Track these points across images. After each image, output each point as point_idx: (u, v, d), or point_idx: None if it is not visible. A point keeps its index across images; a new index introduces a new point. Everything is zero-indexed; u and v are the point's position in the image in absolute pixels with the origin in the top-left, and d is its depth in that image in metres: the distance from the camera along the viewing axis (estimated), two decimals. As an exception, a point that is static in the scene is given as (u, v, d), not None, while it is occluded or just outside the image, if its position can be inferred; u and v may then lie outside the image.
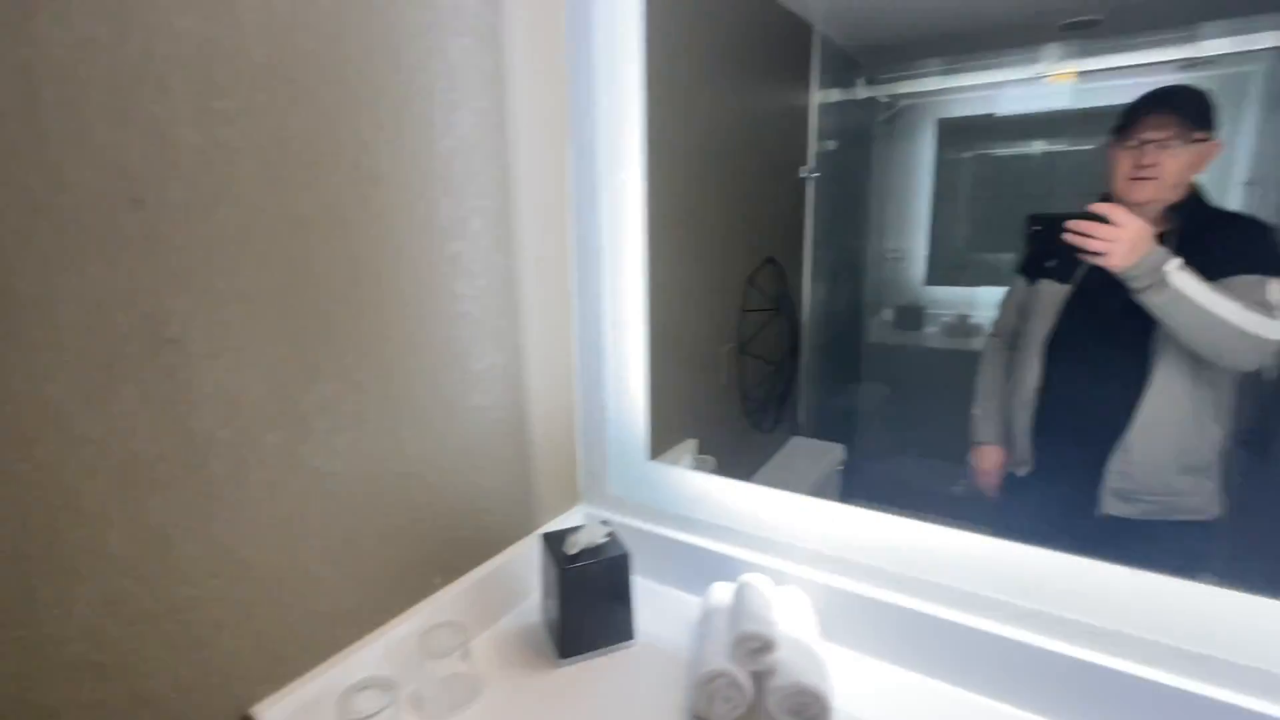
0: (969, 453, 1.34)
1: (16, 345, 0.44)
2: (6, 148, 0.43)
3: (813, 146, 1.71)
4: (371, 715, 0.59)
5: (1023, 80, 1.67)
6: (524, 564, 0.89)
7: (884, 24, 1.67)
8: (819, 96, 1.71)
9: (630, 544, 0.80)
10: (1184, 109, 1.03)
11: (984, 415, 1.32)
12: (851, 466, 2.33)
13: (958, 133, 2.24)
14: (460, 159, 0.73)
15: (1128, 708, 0.65)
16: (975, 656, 0.72)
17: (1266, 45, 1.47)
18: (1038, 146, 2.00)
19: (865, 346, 2.39)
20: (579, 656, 0.78)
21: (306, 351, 0.61)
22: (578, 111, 0.86)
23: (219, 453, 0.56)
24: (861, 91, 1.85)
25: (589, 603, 0.78)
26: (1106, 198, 1.14)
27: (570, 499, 1.02)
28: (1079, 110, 1.74)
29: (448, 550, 0.80)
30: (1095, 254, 0.96)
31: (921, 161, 2.33)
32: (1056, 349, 1.18)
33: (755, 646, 0.69)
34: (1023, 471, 1.25)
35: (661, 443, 1.03)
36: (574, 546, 0.78)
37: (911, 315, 2.35)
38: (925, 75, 2.05)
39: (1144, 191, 1.03)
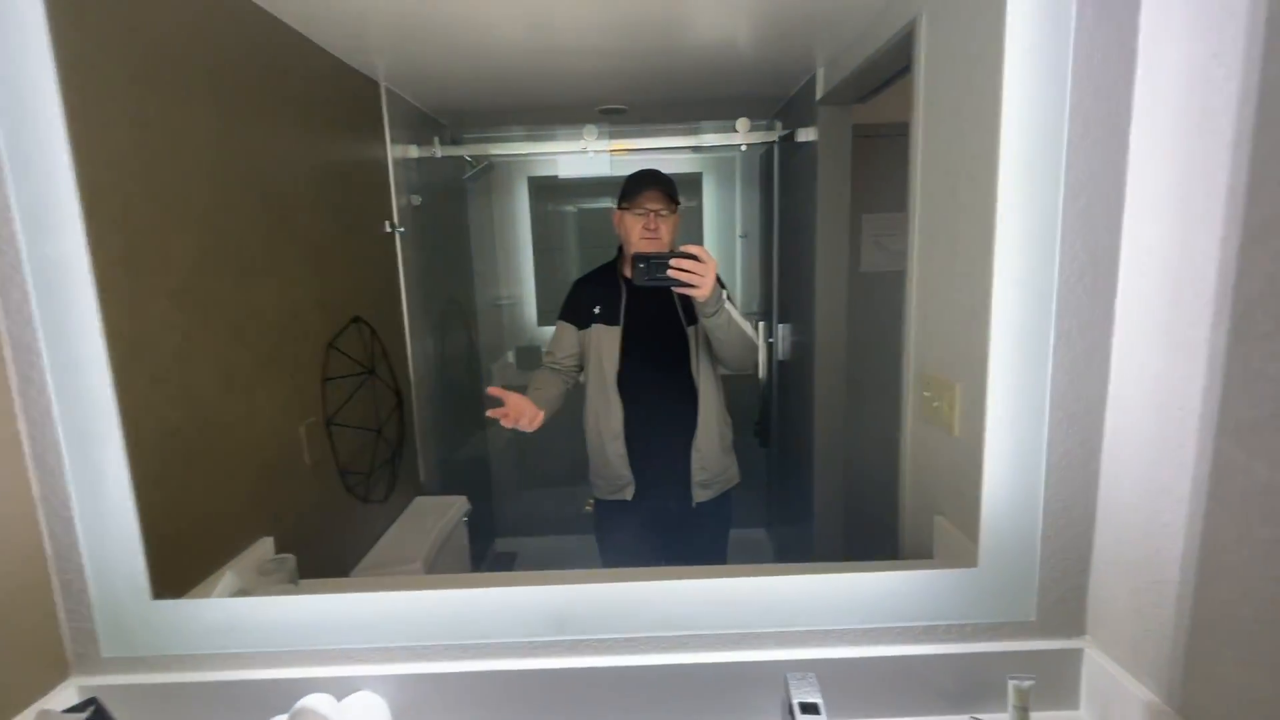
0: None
1: None
2: None
3: (395, 202, 1.68)
4: None
5: (574, 151, 1.95)
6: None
7: (450, 89, 1.75)
8: (396, 152, 1.69)
9: (145, 707, 0.63)
10: (668, 187, 1.38)
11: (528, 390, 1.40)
12: (485, 511, 2.37)
13: (545, 190, 2.51)
14: None
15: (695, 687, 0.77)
16: (566, 696, 0.77)
17: (737, 142, 2.00)
18: (605, 203, 2.39)
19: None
20: None
21: None
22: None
23: None
24: (442, 150, 1.90)
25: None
26: (619, 252, 1.44)
27: (58, 672, 0.76)
28: (620, 177, 2.14)
29: None
30: (690, 285, 1.19)
31: (519, 215, 2.53)
32: (627, 385, 1.42)
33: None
34: (629, 495, 1.45)
35: (209, 559, 0.86)
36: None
37: (530, 355, 2.52)
38: (510, 139, 2.25)
39: (651, 248, 1.35)
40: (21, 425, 0.71)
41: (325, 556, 1.32)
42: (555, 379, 1.46)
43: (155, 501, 0.78)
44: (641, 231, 1.36)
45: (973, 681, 0.79)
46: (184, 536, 0.86)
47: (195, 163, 0.97)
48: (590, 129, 1.83)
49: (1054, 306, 0.71)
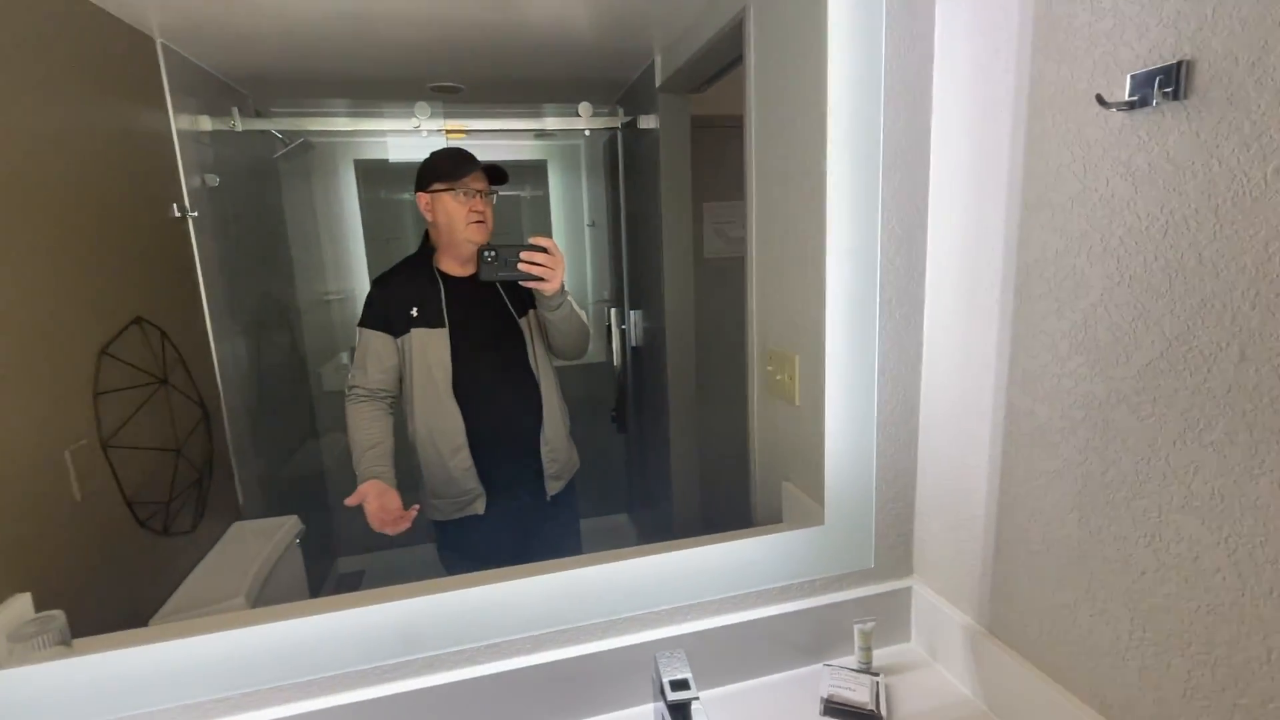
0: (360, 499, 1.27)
1: None
2: None
3: (185, 182, 1.43)
4: None
5: (405, 131, 1.80)
6: None
7: (249, 52, 1.52)
8: (182, 123, 1.44)
9: None
10: (490, 170, 1.28)
11: (362, 465, 1.28)
12: (324, 529, 2.14)
13: (376, 174, 2.30)
14: None
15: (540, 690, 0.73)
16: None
17: (580, 126, 1.97)
18: (444, 191, 2.23)
19: (321, 396, 2.23)
20: None
21: None
22: None
23: None
24: (244, 123, 1.66)
25: None
26: (426, 238, 1.33)
27: None
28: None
29: None
30: (541, 280, 1.12)
31: (346, 201, 2.29)
32: (464, 391, 1.28)
33: None
34: (480, 509, 1.33)
35: None
36: None
37: (367, 355, 2.30)
38: (329, 115, 2.02)
39: (481, 234, 1.24)
40: None
41: (112, 607, 1.09)
42: (380, 415, 1.28)
43: None
44: (469, 216, 1.24)
45: (824, 632, 0.84)
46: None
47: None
48: (422, 106, 1.69)
49: (878, 277, 0.78)
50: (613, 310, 2.23)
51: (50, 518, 0.96)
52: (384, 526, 1.23)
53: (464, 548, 1.38)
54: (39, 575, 0.91)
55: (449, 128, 1.86)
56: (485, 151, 2.48)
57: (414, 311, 1.27)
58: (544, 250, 1.13)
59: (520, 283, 1.16)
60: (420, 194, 1.29)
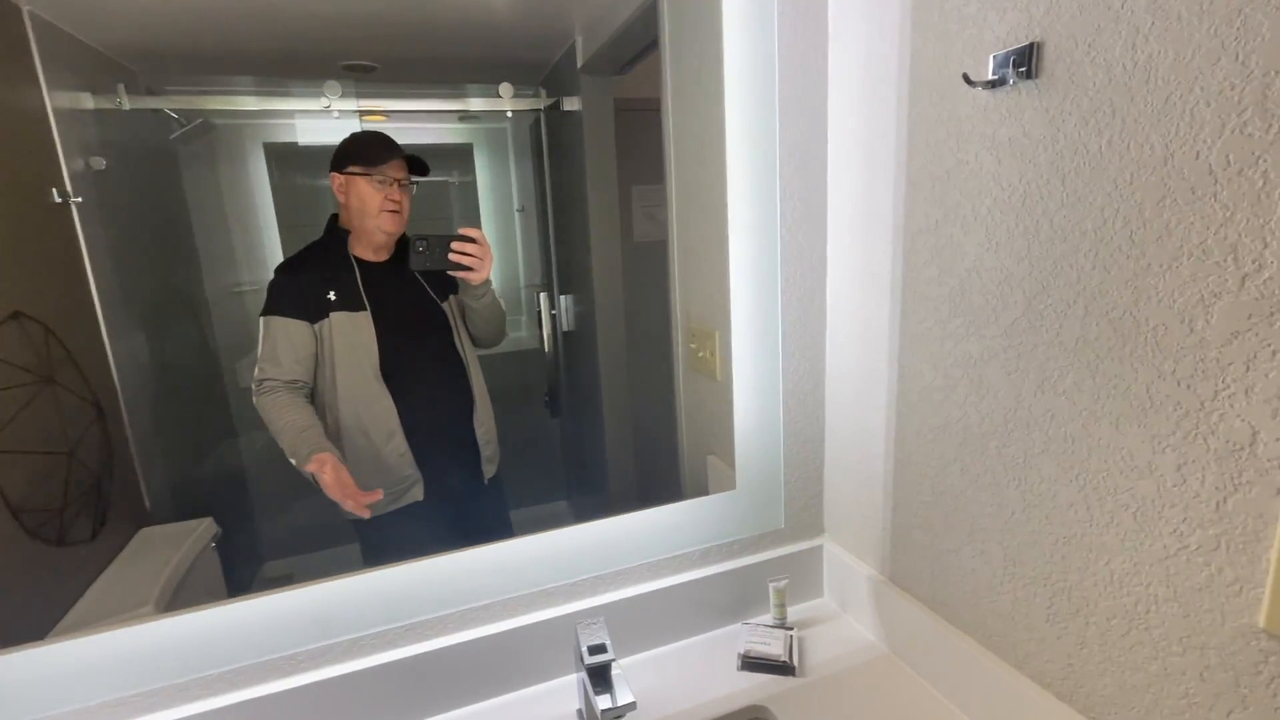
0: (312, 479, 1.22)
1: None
2: None
3: (66, 165, 1.32)
4: None
5: (315, 112, 1.72)
6: None
7: (133, 24, 1.41)
8: (60, 100, 1.33)
9: None
10: (412, 161, 1.25)
11: (301, 444, 1.23)
12: (248, 532, 2.04)
13: (288, 158, 2.18)
14: None
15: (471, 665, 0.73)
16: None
17: (502, 108, 1.93)
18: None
19: (237, 393, 2.11)
20: None
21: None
22: None
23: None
24: (131, 101, 1.54)
25: None
26: (334, 220, 1.28)
27: None
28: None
29: None
30: (470, 269, 1.12)
31: (256, 187, 2.17)
32: (393, 374, 1.25)
33: None
34: (419, 495, 1.30)
35: None
36: None
37: (286, 349, 2.20)
38: (231, 94, 1.89)
39: (395, 223, 1.21)
40: None
41: (4, 622, 1.02)
42: (301, 402, 1.23)
43: None
44: (384, 203, 1.21)
45: (742, 593, 0.88)
46: None
47: None
48: (333, 86, 1.62)
49: (779, 251, 0.81)
50: (543, 295, 2.21)
51: (-81, 530, 0.89)
52: (346, 499, 1.18)
53: (399, 542, 1.34)
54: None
55: (364, 108, 1.79)
56: (408, 134, 2.40)
57: (331, 295, 1.22)
58: (473, 241, 1.12)
59: (449, 272, 1.15)
60: (335, 174, 1.24)
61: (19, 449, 1.08)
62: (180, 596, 1.29)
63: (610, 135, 1.80)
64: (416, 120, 2.27)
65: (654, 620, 0.83)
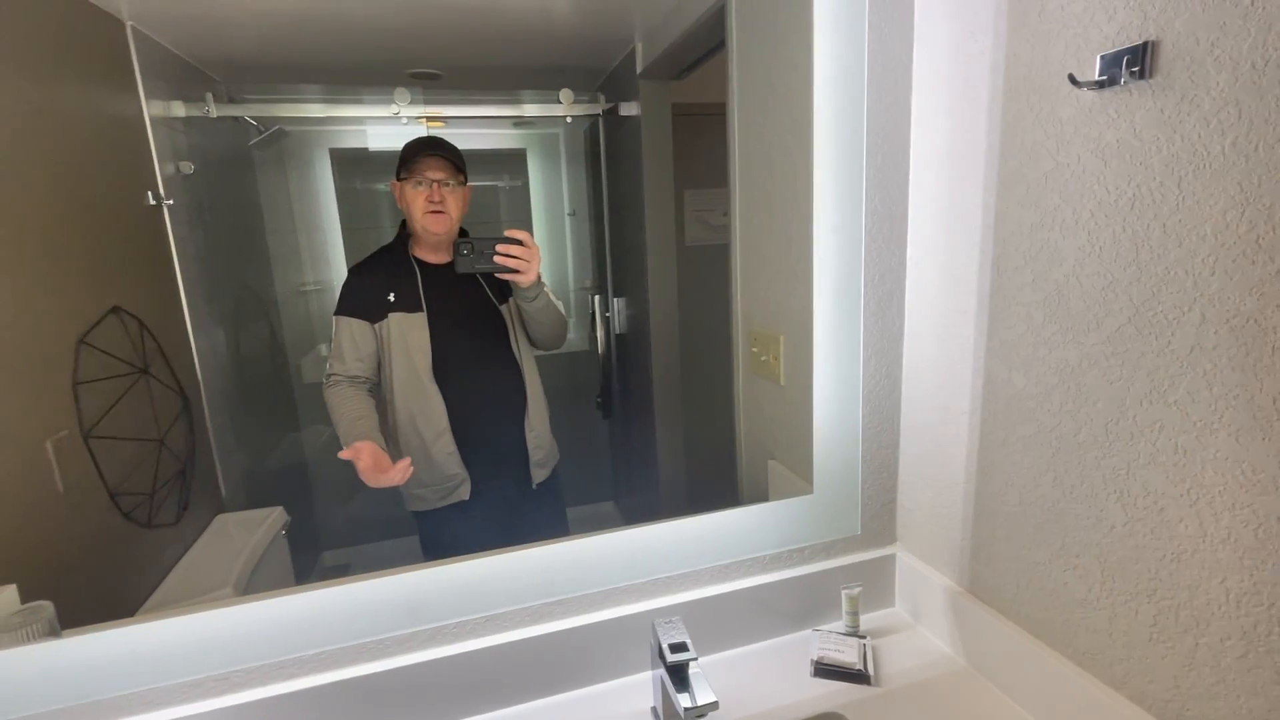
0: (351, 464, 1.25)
1: None
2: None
3: (160, 169, 1.40)
4: None
5: (384, 119, 1.79)
6: None
7: (220, 36, 1.49)
8: (155, 109, 1.41)
9: None
10: (452, 154, 1.26)
11: (349, 431, 1.27)
12: (308, 522, 2.12)
13: (352, 164, 2.27)
14: None
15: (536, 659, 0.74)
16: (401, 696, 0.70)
17: (561, 113, 1.96)
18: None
19: (301, 389, 2.20)
20: None
21: None
22: None
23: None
24: (218, 109, 1.63)
25: None
26: (403, 225, 1.32)
27: None
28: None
29: None
30: (516, 271, 1.12)
31: (322, 191, 2.26)
32: (444, 375, 1.28)
33: None
34: (466, 495, 1.33)
35: None
36: None
37: (346, 347, 2.28)
38: (304, 101, 1.98)
39: (441, 224, 1.23)
40: None
41: (100, 598, 1.08)
42: (363, 394, 1.27)
43: None
44: (425, 205, 1.23)
45: (812, 599, 0.87)
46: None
47: None
48: (401, 93, 1.68)
49: (863, 255, 0.80)
50: (596, 298, 2.24)
51: (33, 509, 0.95)
52: (378, 480, 1.20)
53: (448, 538, 1.37)
54: (24, 567, 0.90)
55: (430, 114, 1.84)
56: (464, 139, 2.46)
57: (391, 297, 1.27)
58: (519, 243, 1.13)
59: (496, 275, 1.17)
60: (393, 182, 1.28)
61: (117, 435, 1.15)
62: (255, 580, 1.35)
63: (668, 140, 1.81)
64: (474, 125, 2.33)
65: (725, 622, 0.83)
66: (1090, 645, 0.66)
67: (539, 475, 1.39)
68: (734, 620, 0.84)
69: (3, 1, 0.99)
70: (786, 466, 0.98)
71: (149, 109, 1.39)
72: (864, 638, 0.84)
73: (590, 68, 1.96)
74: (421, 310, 1.27)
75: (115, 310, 1.20)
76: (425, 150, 1.24)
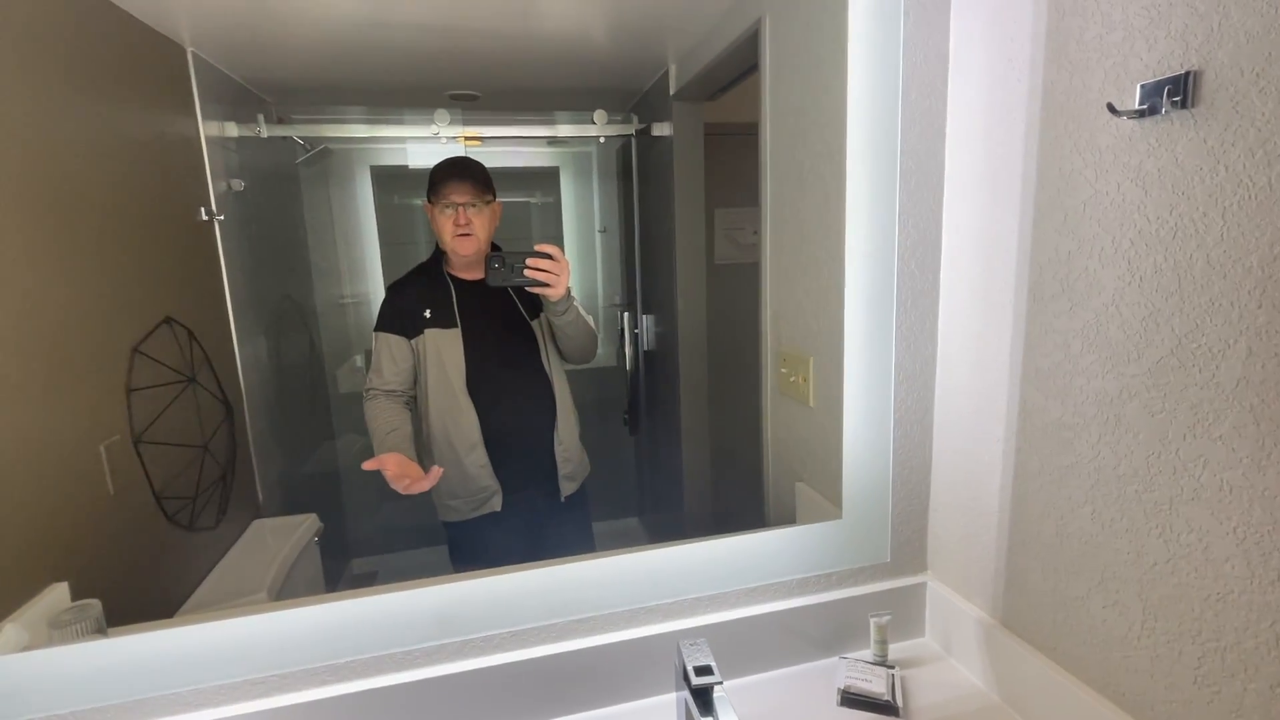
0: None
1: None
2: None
3: (213, 186, 1.47)
4: None
5: (424, 138, 1.84)
6: None
7: (273, 60, 1.56)
8: (211, 129, 1.48)
9: None
10: (476, 175, 1.27)
11: (383, 442, 1.29)
12: (338, 529, 2.16)
13: (391, 180, 2.34)
14: None
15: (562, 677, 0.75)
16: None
17: (595, 133, 2.00)
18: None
19: (337, 398, 2.26)
20: None
21: None
22: None
23: None
24: (268, 129, 1.70)
25: None
26: (437, 250, 1.34)
27: None
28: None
29: None
30: (546, 285, 1.14)
31: (362, 206, 2.34)
32: (477, 389, 1.31)
33: None
34: (497, 506, 1.35)
35: None
36: None
37: (380, 359, 2.33)
38: (348, 121, 2.06)
39: (468, 246, 1.26)
40: None
41: (142, 598, 1.12)
42: (398, 406, 1.30)
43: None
44: (452, 229, 1.25)
45: (840, 625, 0.86)
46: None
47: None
48: (441, 114, 1.73)
49: (895, 279, 0.80)
50: (625, 314, 2.26)
51: (85, 510, 0.99)
52: (407, 487, 1.21)
53: (477, 548, 1.39)
54: (74, 565, 0.94)
55: (468, 134, 1.90)
56: (500, 158, 2.52)
57: (427, 313, 1.30)
58: (549, 257, 1.15)
59: (526, 288, 1.19)
60: (425, 204, 1.31)
61: (165, 440, 1.20)
62: (288, 586, 1.38)
63: (699, 159, 1.83)
64: (509, 144, 2.39)
65: (748, 646, 0.83)
66: (1131, 686, 0.63)
67: (567, 488, 1.41)
68: (760, 644, 0.83)
69: (74, 28, 1.06)
70: (815, 489, 0.97)
71: (205, 129, 1.46)
72: (892, 668, 0.83)
73: (624, 89, 2.00)
74: (456, 326, 1.30)
75: (167, 320, 1.25)
76: (451, 175, 1.26)
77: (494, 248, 1.34)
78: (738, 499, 1.89)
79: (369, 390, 1.34)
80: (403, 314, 1.31)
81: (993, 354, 0.76)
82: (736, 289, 2.07)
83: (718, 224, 2.21)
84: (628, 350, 2.19)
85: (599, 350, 1.38)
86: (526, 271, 1.15)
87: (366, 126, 2.05)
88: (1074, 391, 0.67)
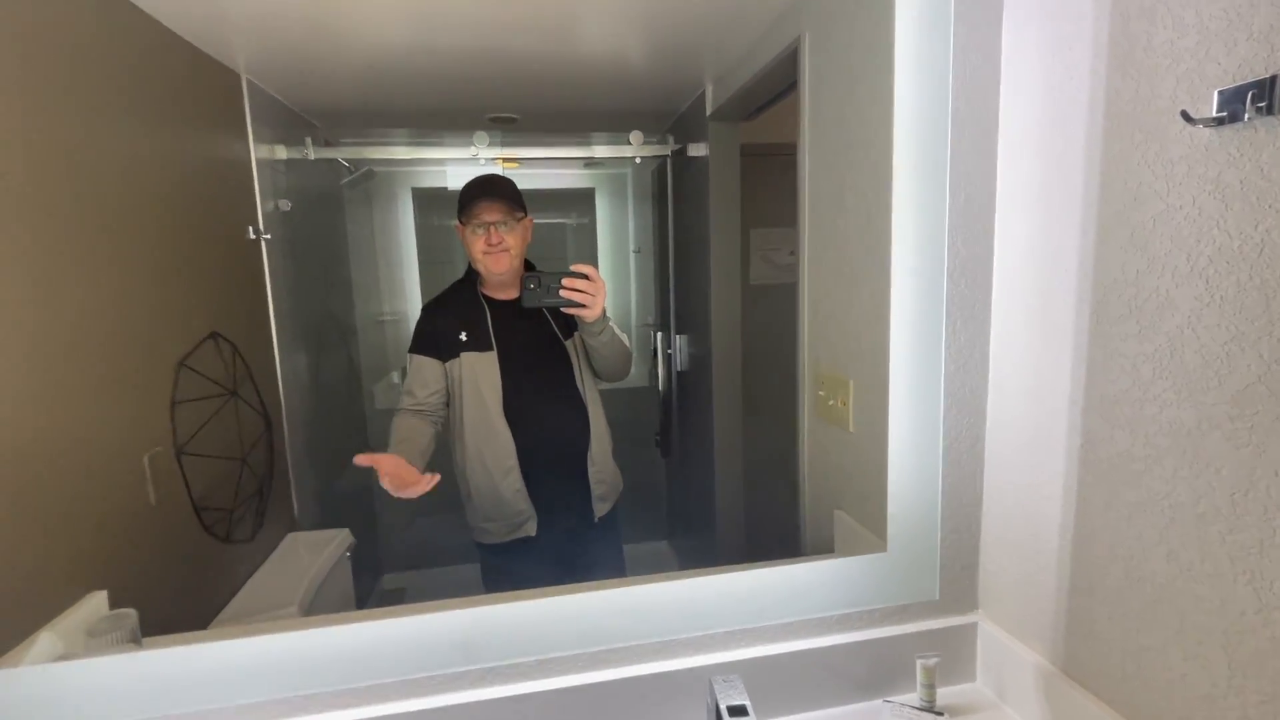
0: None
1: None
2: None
3: (261, 206, 1.52)
4: None
5: (463, 160, 1.88)
6: None
7: (322, 86, 1.62)
8: (261, 152, 1.53)
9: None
10: (505, 194, 1.26)
11: (399, 451, 1.24)
12: (370, 545, 2.17)
13: (431, 201, 2.39)
14: None
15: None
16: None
17: (631, 154, 2.01)
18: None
19: (373, 414, 2.29)
20: None
21: None
22: None
23: None
24: (316, 152, 1.75)
25: None
26: (471, 270, 1.34)
27: None
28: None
29: None
30: (582, 306, 1.13)
31: (403, 226, 2.39)
32: (514, 413, 1.29)
33: None
34: (533, 530, 1.33)
35: (21, 621, 0.74)
36: None
37: (417, 375, 2.36)
38: (393, 144, 2.12)
39: (500, 263, 1.25)
40: None
41: (178, 609, 1.13)
42: (421, 423, 1.30)
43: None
44: (483, 248, 1.24)
45: (883, 666, 0.81)
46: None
47: (6, 155, 0.80)
48: (481, 136, 1.76)
49: (944, 299, 0.76)
50: (658, 334, 2.24)
51: (127, 520, 1.01)
52: (401, 489, 1.14)
53: (511, 571, 1.37)
54: (114, 574, 0.95)
55: (506, 156, 1.92)
56: (537, 179, 2.56)
57: (463, 336, 1.30)
58: (585, 277, 1.14)
59: (562, 309, 1.18)
60: (457, 225, 1.31)
61: (205, 453, 1.22)
62: (319, 601, 1.38)
63: (735, 179, 1.82)
64: (546, 166, 2.42)
65: (788, 684, 0.78)
66: (1216, 749, 0.57)
67: (601, 509, 1.38)
68: (798, 683, 0.78)
69: (138, 56, 1.11)
70: (855, 518, 0.93)
71: (256, 152, 1.51)
72: (941, 714, 0.77)
73: (661, 110, 2.00)
74: (492, 349, 1.30)
75: (213, 335, 1.29)
76: (480, 194, 1.26)
77: (528, 265, 1.34)
78: (772, 524, 1.83)
79: (400, 408, 1.34)
80: (438, 336, 1.31)
81: (1051, 379, 0.72)
82: (772, 310, 2.03)
83: (754, 244, 2.18)
84: (660, 371, 2.17)
85: (632, 370, 1.36)
86: (562, 292, 1.14)
87: (409, 149, 2.10)
88: (1144, 421, 0.61)
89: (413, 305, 2.40)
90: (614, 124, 2.11)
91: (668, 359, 2.17)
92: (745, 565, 0.78)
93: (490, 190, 1.26)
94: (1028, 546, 0.77)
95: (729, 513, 1.96)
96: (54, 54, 0.91)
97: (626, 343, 1.31)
